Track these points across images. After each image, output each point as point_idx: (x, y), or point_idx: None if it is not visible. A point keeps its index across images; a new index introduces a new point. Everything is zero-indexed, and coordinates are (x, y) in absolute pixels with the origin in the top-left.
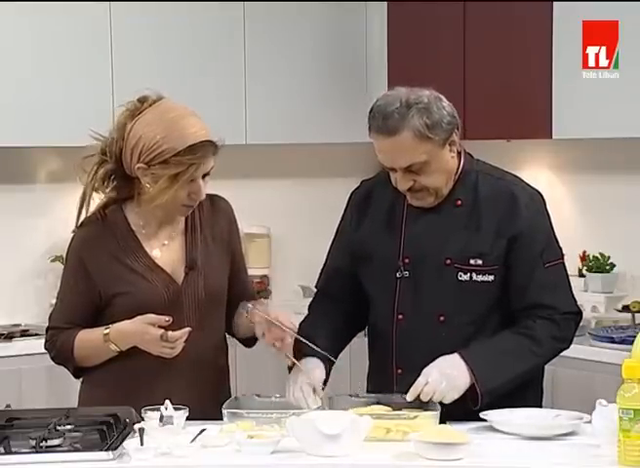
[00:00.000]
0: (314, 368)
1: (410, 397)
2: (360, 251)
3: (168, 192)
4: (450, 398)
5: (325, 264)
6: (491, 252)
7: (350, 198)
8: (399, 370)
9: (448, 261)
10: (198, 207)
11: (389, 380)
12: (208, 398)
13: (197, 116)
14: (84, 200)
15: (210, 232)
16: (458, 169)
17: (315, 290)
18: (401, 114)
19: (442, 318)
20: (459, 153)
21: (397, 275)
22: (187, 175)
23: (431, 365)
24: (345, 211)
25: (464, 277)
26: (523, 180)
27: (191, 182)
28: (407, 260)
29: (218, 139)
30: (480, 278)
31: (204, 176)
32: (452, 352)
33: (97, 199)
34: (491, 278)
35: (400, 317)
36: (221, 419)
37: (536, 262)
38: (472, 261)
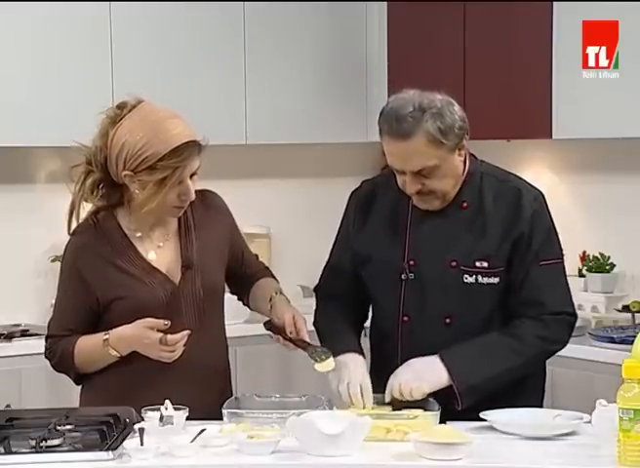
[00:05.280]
0: (361, 369)
1: (386, 398)
2: (363, 252)
3: (157, 197)
4: (418, 390)
5: (326, 264)
6: (496, 254)
7: (351, 198)
8: None
9: (453, 263)
10: (190, 205)
11: None
12: (208, 398)
13: (179, 117)
14: (73, 209)
15: (204, 229)
16: (464, 171)
17: (315, 289)
18: (415, 118)
19: (448, 320)
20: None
21: (402, 277)
22: (174, 178)
23: (404, 364)
24: (347, 211)
25: (470, 279)
26: (526, 181)
27: (180, 184)
28: (412, 262)
29: (202, 138)
30: (486, 280)
31: (191, 176)
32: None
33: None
34: (496, 280)
35: (405, 319)
36: (221, 419)
37: (531, 261)
38: (478, 264)
